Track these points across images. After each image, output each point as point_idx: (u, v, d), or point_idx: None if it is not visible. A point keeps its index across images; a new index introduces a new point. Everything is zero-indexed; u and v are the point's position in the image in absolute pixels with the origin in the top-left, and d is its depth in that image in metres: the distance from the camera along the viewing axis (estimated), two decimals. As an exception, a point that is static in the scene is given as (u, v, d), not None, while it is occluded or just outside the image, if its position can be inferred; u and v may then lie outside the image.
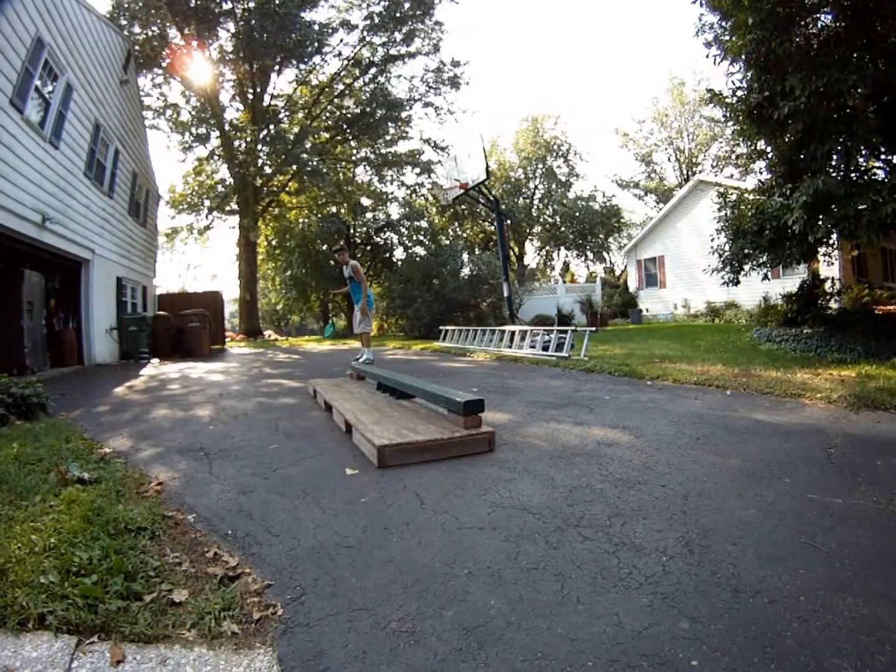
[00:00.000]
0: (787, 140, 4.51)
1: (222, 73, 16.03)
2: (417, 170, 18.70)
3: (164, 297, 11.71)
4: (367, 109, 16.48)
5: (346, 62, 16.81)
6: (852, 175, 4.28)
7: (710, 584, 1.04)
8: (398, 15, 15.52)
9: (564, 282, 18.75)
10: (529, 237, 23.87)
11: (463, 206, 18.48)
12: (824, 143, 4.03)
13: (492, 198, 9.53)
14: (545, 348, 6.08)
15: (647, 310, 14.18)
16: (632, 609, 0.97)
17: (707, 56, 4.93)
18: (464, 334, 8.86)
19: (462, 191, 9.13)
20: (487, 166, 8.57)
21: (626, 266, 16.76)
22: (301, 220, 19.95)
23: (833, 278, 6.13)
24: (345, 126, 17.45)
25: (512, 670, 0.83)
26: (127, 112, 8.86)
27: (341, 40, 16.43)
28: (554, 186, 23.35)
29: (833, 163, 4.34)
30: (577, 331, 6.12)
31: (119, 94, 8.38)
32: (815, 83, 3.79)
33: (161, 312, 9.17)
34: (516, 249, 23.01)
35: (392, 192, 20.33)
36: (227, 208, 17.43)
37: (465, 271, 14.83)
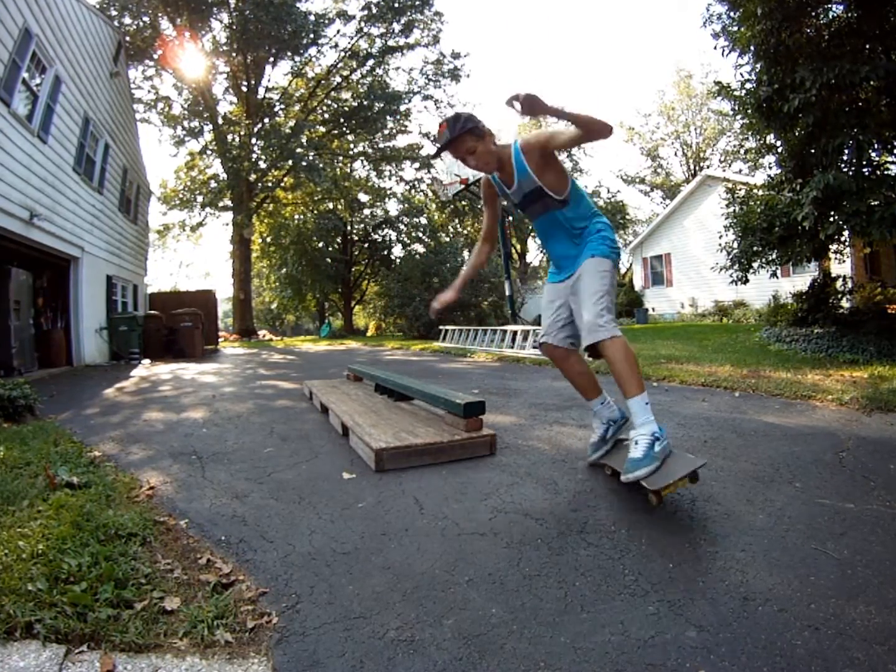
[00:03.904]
0: (797, 134, 4.47)
1: (215, 65, 15.80)
2: (416, 165, 18.60)
3: (155, 296, 11.59)
4: (365, 102, 16.33)
5: (343, 54, 16.63)
6: (864, 170, 4.24)
7: (717, 591, 1.02)
8: (397, 5, 15.34)
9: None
10: (532, 234, 23.80)
11: (463, 202, 18.40)
12: (835, 137, 3.99)
13: (492, 194, 9.41)
14: (547, 348, 6.03)
15: (653, 309, 14.14)
16: (637, 617, 0.95)
17: (715, 47, 4.91)
18: (464, 334, 8.84)
19: (462, 186, 9.05)
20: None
21: (631, 264, 16.73)
22: (297, 217, 19.77)
23: (844, 276, 6.04)
24: (342, 120, 17.29)
25: (515, 682, 0.81)
26: (117, 105, 8.70)
27: (338, 31, 16.25)
28: (557, 182, 23.18)
29: (844, 157, 4.29)
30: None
31: (109, 87, 8.22)
32: (826, 75, 3.75)
33: (152, 312, 9.06)
34: (518, 247, 22.95)
35: (390, 188, 20.16)
36: (221, 204, 17.24)
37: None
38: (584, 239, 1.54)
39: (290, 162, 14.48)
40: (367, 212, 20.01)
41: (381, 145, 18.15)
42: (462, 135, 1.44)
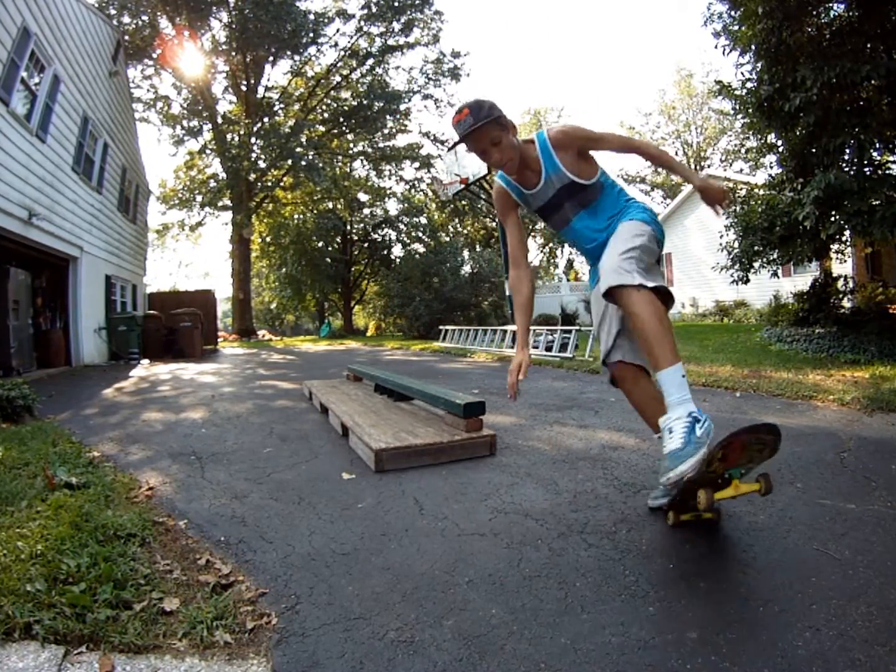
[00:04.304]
0: (798, 133, 4.47)
1: (215, 64, 15.79)
2: (416, 164, 18.60)
3: (154, 296, 11.61)
4: (365, 102, 16.33)
5: (342, 53, 16.63)
6: (865, 169, 4.24)
7: (719, 591, 1.02)
8: (396, 4, 15.33)
9: (568, 280, 18.73)
10: (532, 234, 23.78)
11: (463, 202, 18.41)
12: (836, 137, 3.99)
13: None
14: (548, 349, 6.07)
15: None
16: (638, 618, 0.94)
17: (716, 47, 4.90)
18: (464, 334, 8.84)
19: (462, 186, 9.04)
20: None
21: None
22: (296, 216, 19.76)
23: (846, 276, 6.05)
24: (342, 119, 17.28)
25: (515, 682, 0.81)
26: (116, 104, 8.69)
27: (338, 30, 16.26)
28: (557, 181, 23.27)
29: (846, 157, 4.29)
30: (582, 330, 6.11)
31: (108, 86, 8.21)
32: (827, 74, 3.76)
33: (151, 312, 9.07)
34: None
35: (390, 188, 20.19)
36: (220, 204, 17.23)
37: (466, 269, 14.77)
38: (620, 215, 1.32)
39: (289, 161, 14.48)
40: (366, 211, 20.00)
41: (381, 145, 18.14)
42: (488, 122, 1.21)
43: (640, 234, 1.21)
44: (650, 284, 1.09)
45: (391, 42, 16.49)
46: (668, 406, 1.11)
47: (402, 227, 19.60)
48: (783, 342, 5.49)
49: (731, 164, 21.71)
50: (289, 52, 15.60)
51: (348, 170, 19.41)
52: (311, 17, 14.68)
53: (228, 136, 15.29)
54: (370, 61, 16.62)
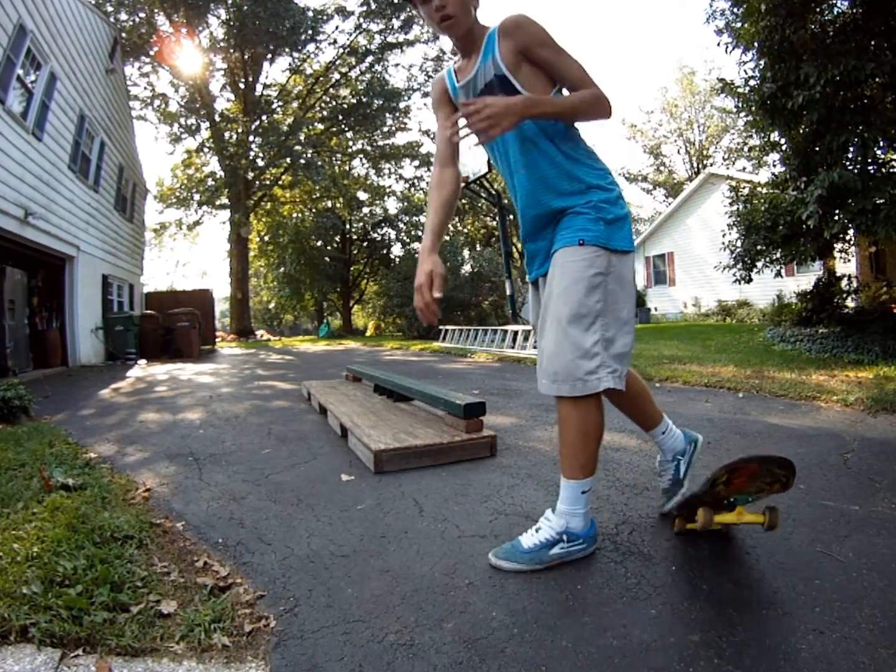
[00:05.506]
0: (801, 131, 4.46)
1: (212, 61, 15.73)
2: (416, 162, 18.58)
3: (151, 296, 11.58)
4: (364, 99, 16.30)
5: (341, 50, 16.59)
6: (869, 168, 4.23)
7: (721, 594, 1.01)
8: (396, 1, 15.26)
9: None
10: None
11: (463, 201, 18.41)
12: (840, 135, 3.98)
13: (493, 192, 9.41)
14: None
15: (655, 308, 14.17)
16: (640, 621, 0.94)
17: (718, 44, 4.88)
18: (464, 334, 8.84)
19: (463, 184, 9.00)
20: (489, 159, 8.47)
21: (633, 263, 16.73)
22: (295, 215, 19.72)
23: (849, 276, 6.09)
24: (340, 117, 17.24)
25: (516, 687, 0.80)
26: (113, 102, 8.64)
27: (336, 27, 16.26)
28: (557, 180, 23.26)
29: (849, 155, 4.30)
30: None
31: (105, 84, 8.16)
32: (830, 72, 3.75)
33: (149, 311, 9.03)
34: (519, 246, 22.91)
35: (390, 186, 20.18)
36: (218, 203, 17.20)
37: (466, 268, 14.77)
38: (570, 202, 0.99)
39: (288, 160, 14.46)
40: (366, 210, 19.96)
41: (381, 143, 18.11)
42: None
43: (594, 286, 0.95)
44: (604, 386, 0.96)
45: (391, 39, 16.45)
46: (556, 508, 1.13)
47: (401, 225, 19.58)
48: (786, 342, 5.47)
49: (733, 163, 21.69)
50: (287, 50, 15.55)
51: (347, 168, 19.37)
52: (310, 14, 14.63)
53: (226, 134, 15.24)
54: (369, 59, 16.57)
